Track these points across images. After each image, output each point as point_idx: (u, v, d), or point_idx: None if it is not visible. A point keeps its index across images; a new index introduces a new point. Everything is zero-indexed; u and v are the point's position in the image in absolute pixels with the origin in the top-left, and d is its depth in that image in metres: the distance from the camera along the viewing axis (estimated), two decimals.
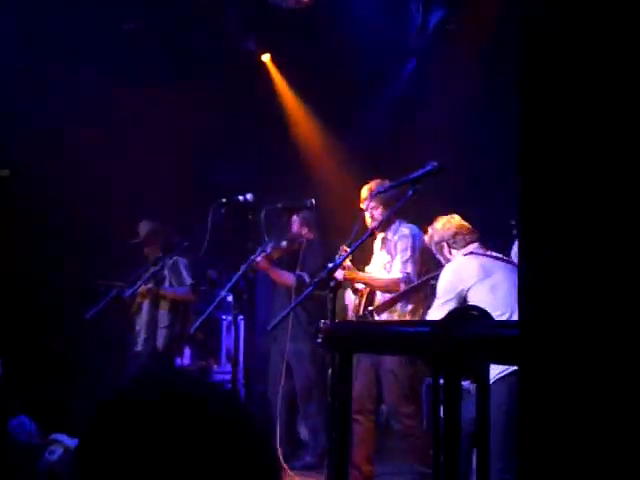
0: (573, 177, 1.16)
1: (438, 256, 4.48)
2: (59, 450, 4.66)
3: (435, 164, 3.74)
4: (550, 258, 1.18)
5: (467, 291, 4.07)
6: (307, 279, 5.56)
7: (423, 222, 4.72)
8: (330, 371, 2.93)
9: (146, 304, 6.04)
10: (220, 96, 7.00)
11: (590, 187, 1.14)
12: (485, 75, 6.22)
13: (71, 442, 4.68)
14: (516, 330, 1.39)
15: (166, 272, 6.07)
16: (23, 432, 5.06)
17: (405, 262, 4.88)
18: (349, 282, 4.99)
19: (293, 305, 3.67)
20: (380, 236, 5.00)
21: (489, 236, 4.46)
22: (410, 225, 5.04)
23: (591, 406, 1.16)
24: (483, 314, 1.87)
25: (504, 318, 3.72)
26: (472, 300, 3.98)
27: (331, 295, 3.59)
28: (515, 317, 3.51)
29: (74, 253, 6.66)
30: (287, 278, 5.77)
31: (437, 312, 4.05)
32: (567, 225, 1.17)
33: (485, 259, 4.23)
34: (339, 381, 2.43)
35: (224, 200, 5.48)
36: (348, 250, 4.18)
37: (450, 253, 4.35)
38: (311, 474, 5.44)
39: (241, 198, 5.53)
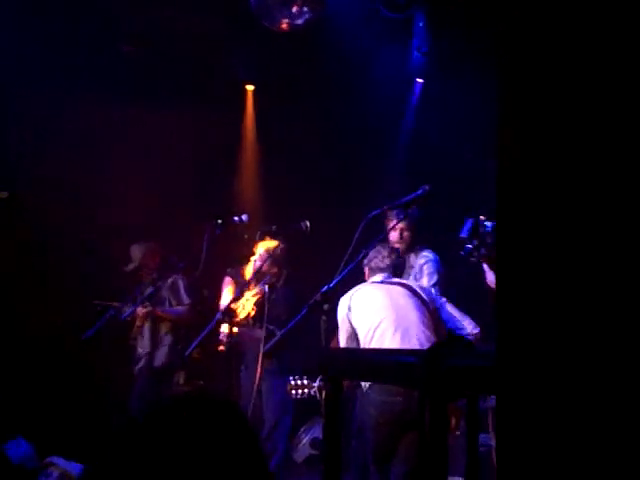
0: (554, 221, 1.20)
1: None
2: (55, 473, 4.65)
3: (426, 188, 3.81)
4: (525, 299, 1.22)
5: None
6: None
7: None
8: (323, 396, 2.95)
9: (147, 327, 5.98)
10: (214, 117, 7.05)
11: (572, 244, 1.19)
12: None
13: (67, 465, 4.68)
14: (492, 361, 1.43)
15: (165, 293, 6.04)
16: (19, 454, 5.05)
17: (433, 286, 4.95)
18: None
19: (284, 330, 3.65)
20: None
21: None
22: (430, 250, 5.11)
23: (564, 440, 1.19)
24: (467, 345, 1.91)
25: None
26: None
27: (324, 318, 3.61)
28: None
29: (72, 272, 6.66)
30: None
31: None
32: (543, 267, 1.21)
33: None
34: (330, 406, 2.46)
35: (220, 221, 5.53)
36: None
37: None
38: None
39: (236, 219, 5.59)
